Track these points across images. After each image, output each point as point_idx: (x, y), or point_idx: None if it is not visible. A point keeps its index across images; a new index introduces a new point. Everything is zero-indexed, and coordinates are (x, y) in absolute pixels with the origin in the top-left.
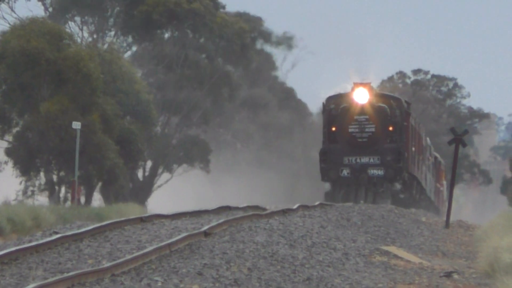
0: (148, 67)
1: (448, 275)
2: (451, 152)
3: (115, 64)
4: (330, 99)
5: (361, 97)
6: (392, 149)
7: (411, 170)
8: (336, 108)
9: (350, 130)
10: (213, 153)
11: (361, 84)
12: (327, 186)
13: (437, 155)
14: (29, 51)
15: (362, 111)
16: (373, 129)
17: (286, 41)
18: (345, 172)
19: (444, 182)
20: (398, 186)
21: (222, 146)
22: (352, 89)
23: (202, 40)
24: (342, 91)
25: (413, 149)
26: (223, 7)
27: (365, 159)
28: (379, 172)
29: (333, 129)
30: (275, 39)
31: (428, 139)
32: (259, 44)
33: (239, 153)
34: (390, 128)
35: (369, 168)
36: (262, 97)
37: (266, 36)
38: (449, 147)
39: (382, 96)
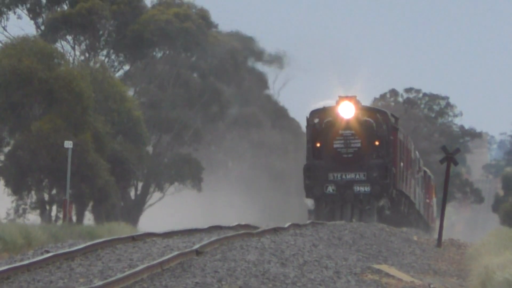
0: (140, 85)
1: None
2: (443, 171)
3: (107, 83)
4: (314, 113)
5: (346, 111)
6: (379, 165)
7: (399, 186)
8: (320, 123)
9: (335, 145)
10: (204, 171)
11: (346, 97)
12: (310, 203)
13: (427, 169)
14: (21, 70)
15: (347, 125)
16: (358, 144)
17: (278, 60)
18: (330, 188)
19: (434, 199)
20: (385, 203)
21: (213, 165)
22: (337, 103)
23: (193, 59)
24: (326, 105)
25: (401, 164)
26: (215, 26)
27: (350, 175)
28: (365, 188)
29: (318, 144)
30: (267, 57)
31: (417, 152)
32: (250, 63)
33: (230, 171)
34: (377, 143)
35: (354, 184)
36: (254, 116)
37: (258, 55)
38: (441, 165)
39: (368, 110)
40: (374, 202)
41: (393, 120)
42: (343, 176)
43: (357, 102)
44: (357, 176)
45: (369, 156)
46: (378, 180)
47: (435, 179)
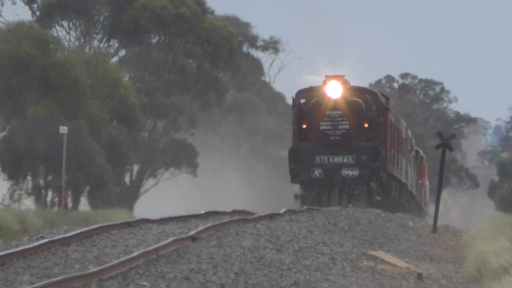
0: (135, 71)
1: (420, 277)
2: (438, 156)
3: (102, 68)
4: (300, 93)
5: (334, 91)
6: (368, 148)
7: (390, 170)
8: (306, 103)
9: (322, 127)
10: (200, 157)
11: (334, 77)
12: (297, 188)
13: (419, 149)
14: (18, 56)
15: (335, 106)
16: (347, 126)
17: (272, 45)
18: (317, 172)
19: (427, 181)
20: (374, 187)
21: (209, 151)
22: (324, 83)
23: (189, 45)
24: (313, 85)
25: (392, 147)
26: (211, 12)
27: (338, 159)
28: (353, 172)
29: (304, 126)
30: (261, 43)
31: (409, 131)
32: (245, 48)
33: (226, 157)
34: (366, 125)
35: (343, 168)
36: (249, 102)
37: (253, 40)
38: (436, 151)
39: (357, 90)
40: (364, 186)
41: (383, 100)
42: (331, 160)
43: (345, 82)
44: (345, 160)
45: (358, 138)
46: (367, 163)
47: (428, 160)
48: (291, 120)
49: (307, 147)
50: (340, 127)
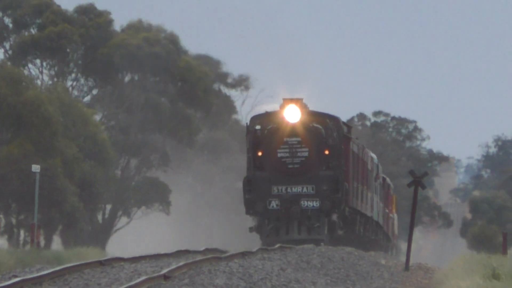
0: (108, 109)
1: None
2: (410, 194)
3: (74, 107)
4: (254, 118)
5: (292, 115)
6: (329, 177)
7: (353, 204)
8: (262, 129)
9: (279, 154)
10: (173, 195)
11: (292, 100)
12: (252, 220)
13: (386, 177)
14: None
15: (293, 132)
16: (306, 154)
17: (243, 83)
18: (274, 204)
19: (395, 215)
20: (336, 220)
21: (182, 189)
22: (281, 107)
23: (162, 84)
24: (269, 110)
25: (355, 179)
26: (185, 52)
27: (297, 189)
28: (314, 203)
29: (259, 153)
30: (231, 80)
31: (375, 157)
32: (216, 86)
33: (199, 195)
34: (326, 152)
35: (302, 199)
36: (222, 140)
37: (224, 78)
38: (409, 189)
39: (317, 115)
40: (324, 219)
41: (345, 128)
42: (289, 190)
43: (304, 106)
44: (305, 190)
45: (318, 167)
46: (328, 194)
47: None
48: (245, 148)
49: (263, 176)
50: (299, 154)
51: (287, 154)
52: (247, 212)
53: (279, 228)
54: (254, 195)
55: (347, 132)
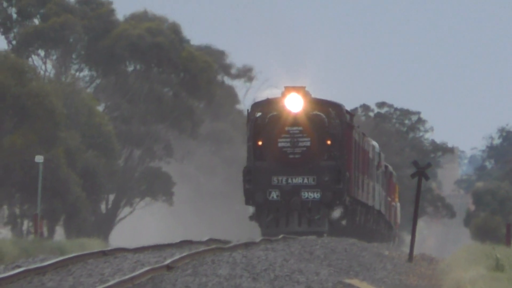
0: (111, 100)
1: None
2: (414, 185)
3: (77, 98)
4: (256, 106)
5: (294, 104)
6: (330, 168)
7: (354, 193)
8: (263, 117)
9: (280, 144)
10: (176, 186)
11: (294, 88)
12: (251, 210)
13: (388, 165)
14: None
15: (295, 121)
16: (307, 143)
17: (246, 73)
18: (274, 194)
19: (398, 203)
20: (337, 213)
21: (185, 179)
22: (283, 95)
23: (165, 74)
24: (271, 97)
25: (357, 168)
26: (187, 41)
27: (298, 180)
28: (314, 195)
29: (260, 143)
30: (235, 71)
31: (376, 145)
32: (220, 77)
33: (202, 186)
34: (328, 142)
35: (302, 190)
36: (225, 131)
37: (227, 69)
38: (412, 180)
39: (319, 103)
40: (325, 210)
41: (348, 116)
42: (289, 181)
43: (306, 94)
44: (305, 181)
45: (319, 157)
46: (329, 185)
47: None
48: (245, 137)
49: (263, 166)
50: (300, 144)
51: (288, 144)
52: (247, 203)
53: (279, 220)
54: (254, 185)
55: (349, 120)
